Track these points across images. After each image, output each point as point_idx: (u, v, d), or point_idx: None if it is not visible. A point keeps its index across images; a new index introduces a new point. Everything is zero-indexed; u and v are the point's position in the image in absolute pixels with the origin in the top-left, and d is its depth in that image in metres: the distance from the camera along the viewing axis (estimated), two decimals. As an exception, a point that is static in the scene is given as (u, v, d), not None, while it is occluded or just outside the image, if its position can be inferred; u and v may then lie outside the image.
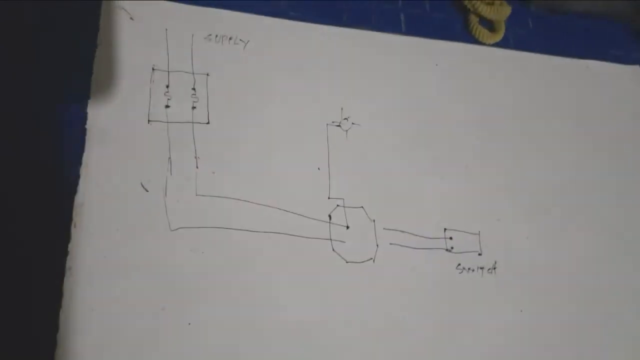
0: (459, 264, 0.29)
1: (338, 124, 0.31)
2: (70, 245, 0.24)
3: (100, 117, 0.27)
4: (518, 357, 0.28)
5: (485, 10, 0.36)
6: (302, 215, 0.28)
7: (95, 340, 0.22)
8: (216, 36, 0.31)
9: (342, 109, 0.31)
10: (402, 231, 0.29)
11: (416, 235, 0.29)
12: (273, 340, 0.25)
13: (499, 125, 0.34)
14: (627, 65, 0.39)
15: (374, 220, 0.29)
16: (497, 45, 0.37)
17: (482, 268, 0.29)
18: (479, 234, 0.30)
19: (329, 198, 0.29)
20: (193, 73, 0.29)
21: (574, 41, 0.39)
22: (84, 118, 0.26)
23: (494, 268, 0.29)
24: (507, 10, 0.37)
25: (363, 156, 0.30)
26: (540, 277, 0.30)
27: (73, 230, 0.24)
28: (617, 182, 0.34)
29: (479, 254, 0.29)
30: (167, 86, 0.28)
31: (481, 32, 0.36)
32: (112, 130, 0.26)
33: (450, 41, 0.35)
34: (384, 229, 0.29)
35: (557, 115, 0.35)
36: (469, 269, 0.29)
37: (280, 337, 0.25)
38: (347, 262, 0.27)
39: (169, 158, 0.27)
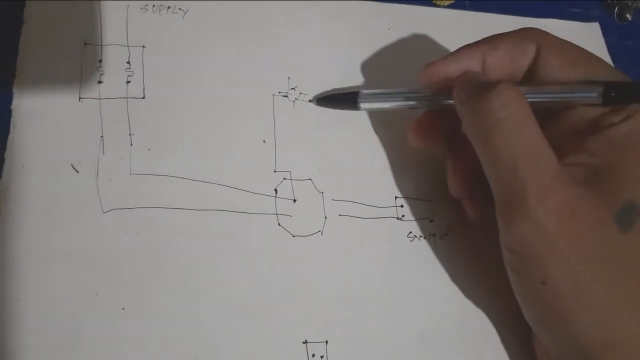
0: (410, 232, 0.27)
1: (285, 94, 0.28)
2: (-6, 233, 0.21)
3: (27, 97, 0.24)
4: (472, 324, 0.26)
5: (438, -30, 0.33)
6: (246, 191, 0.25)
7: (22, 331, 0.20)
8: (153, 6, 0.27)
9: (289, 78, 0.28)
10: (352, 201, 0.26)
11: (366, 205, 0.27)
12: (215, 322, 0.23)
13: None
14: (586, 23, 0.36)
15: (322, 192, 0.26)
16: (452, 6, 0.34)
17: (434, 235, 0.27)
18: (431, 201, 0.28)
19: (275, 171, 0.26)
20: (128, 46, 0.26)
21: (531, 0, 0.36)
22: (9, 99, 0.24)
23: (446, 234, 0.27)
24: (460, -31, 0.34)
25: (311, 126, 0.27)
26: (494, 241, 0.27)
27: (-3, 217, 0.21)
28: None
29: (431, 221, 0.27)
30: (100, 61, 0.26)
31: (434, -7, 0.33)
32: (40, 110, 0.24)
33: (403, 4, 0.32)
34: (332, 200, 0.26)
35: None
36: (420, 236, 0.27)
37: (223, 319, 0.23)
38: (293, 236, 0.25)
39: (101, 136, 0.24)
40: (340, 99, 0.27)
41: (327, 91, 0.28)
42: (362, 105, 0.26)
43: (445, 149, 0.26)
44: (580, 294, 0.19)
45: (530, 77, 0.24)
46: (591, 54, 0.24)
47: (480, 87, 0.21)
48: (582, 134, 0.22)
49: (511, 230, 0.20)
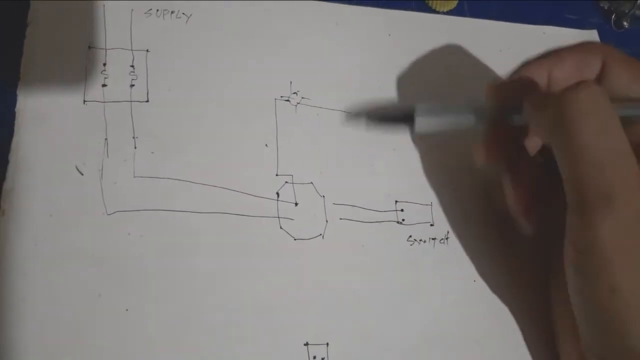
0: (410, 236, 0.27)
1: (287, 99, 0.28)
2: (-1, 234, 0.22)
3: (31, 99, 0.24)
4: (471, 328, 0.26)
5: (438, -23, 0.33)
6: (249, 194, 0.25)
7: (27, 332, 0.20)
8: (157, 10, 0.28)
9: (291, 82, 0.29)
10: (352, 205, 0.27)
11: (366, 209, 0.27)
12: (217, 324, 0.23)
13: (453, 96, 0.31)
14: (584, 30, 0.37)
15: (323, 196, 0.27)
16: (451, 13, 0.34)
17: (434, 239, 0.27)
18: (431, 205, 0.28)
19: (277, 175, 0.26)
20: (132, 50, 0.26)
21: (529, 6, 0.36)
22: (13, 101, 0.24)
23: (447, 238, 0.27)
24: (460, -24, 0.34)
25: (313, 131, 0.28)
26: (493, 246, 0.28)
27: (1, 218, 0.22)
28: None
29: (431, 225, 0.28)
30: (104, 64, 0.26)
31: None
32: (45, 113, 0.24)
33: (402, 10, 0.33)
34: (333, 204, 0.27)
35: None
36: (420, 240, 0.27)
37: (225, 321, 0.23)
38: (295, 239, 0.25)
39: (106, 139, 0.24)
40: (393, 115, 0.26)
41: (378, 107, 0.28)
42: (418, 121, 0.25)
43: (504, 168, 0.26)
44: None
45: None
46: None
47: (561, 90, 0.21)
48: None
49: (589, 229, 0.19)
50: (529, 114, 0.23)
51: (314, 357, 0.23)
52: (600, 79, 0.24)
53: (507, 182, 0.25)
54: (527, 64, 0.25)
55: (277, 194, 0.26)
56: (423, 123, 0.25)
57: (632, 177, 0.19)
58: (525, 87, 0.24)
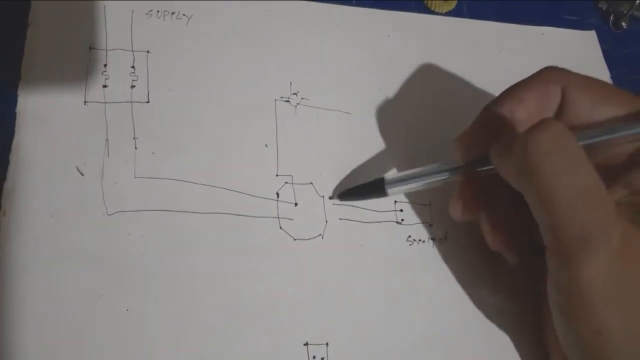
0: (409, 236, 0.27)
1: (287, 99, 0.28)
2: (-1, 234, 0.22)
3: (32, 100, 0.24)
4: (471, 328, 0.26)
5: (437, -22, 0.34)
6: (249, 194, 0.26)
7: (27, 332, 0.20)
8: (158, 12, 0.28)
9: (290, 83, 0.29)
10: (352, 206, 0.27)
11: (366, 209, 0.27)
12: (218, 324, 0.23)
13: (453, 97, 0.32)
14: (583, 31, 0.37)
15: (323, 196, 0.27)
16: (450, 14, 0.34)
17: (433, 239, 0.27)
18: (430, 205, 0.28)
19: (277, 175, 0.26)
20: (132, 51, 0.26)
21: (527, 7, 0.36)
22: (13, 101, 0.24)
23: (445, 238, 0.28)
24: (459, -23, 0.34)
25: (312, 131, 0.28)
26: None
27: (2, 219, 0.22)
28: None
29: (430, 225, 0.28)
30: (105, 65, 0.26)
31: (434, 0, 0.34)
32: (45, 114, 0.24)
33: (402, 11, 0.33)
34: (333, 204, 0.27)
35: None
36: (419, 240, 0.27)
37: (225, 321, 0.23)
38: (295, 239, 0.25)
39: (106, 140, 0.24)
40: (365, 190, 0.26)
41: (348, 189, 0.27)
42: (391, 191, 0.25)
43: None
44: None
45: (559, 119, 0.23)
46: (617, 88, 0.24)
47: (521, 133, 0.20)
48: (620, 171, 0.22)
49: (569, 274, 0.19)
50: (495, 163, 0.22)
51: (314, 357, 0.23)
52: (562, 108, 0.23)
53: (484, 222, 0.25)
54: (489, 107, 0.24)
55: (277, 194, 0.26)
56: (396, 192, 0.26)
57: (606, 214, 0.19)
58: (490, 133, 0.23)
